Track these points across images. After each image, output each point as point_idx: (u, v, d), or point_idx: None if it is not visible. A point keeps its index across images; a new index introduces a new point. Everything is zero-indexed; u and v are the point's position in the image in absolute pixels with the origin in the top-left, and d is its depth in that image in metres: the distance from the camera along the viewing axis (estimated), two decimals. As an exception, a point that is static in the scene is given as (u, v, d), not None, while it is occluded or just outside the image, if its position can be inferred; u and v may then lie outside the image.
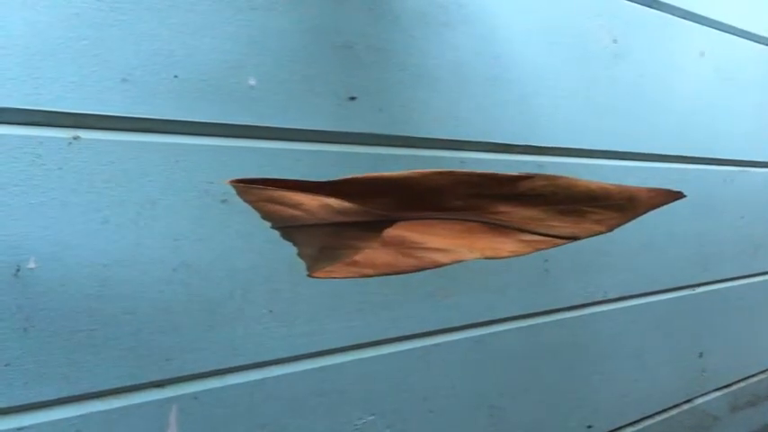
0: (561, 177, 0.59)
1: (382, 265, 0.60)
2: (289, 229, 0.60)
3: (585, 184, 0.61)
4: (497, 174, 0.59)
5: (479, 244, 0.60)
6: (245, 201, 0.59)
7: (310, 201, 0.59)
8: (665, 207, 1.35)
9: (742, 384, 1.72)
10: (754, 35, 1.58)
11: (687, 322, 1.52)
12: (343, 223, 0.59)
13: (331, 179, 0.57)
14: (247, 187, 0.59)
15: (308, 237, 0.60)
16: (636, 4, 1.31)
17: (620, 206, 0.61)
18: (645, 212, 0.62)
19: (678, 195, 0.61)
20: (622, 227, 0.63)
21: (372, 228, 0.60)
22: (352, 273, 0.60)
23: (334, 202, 0.59)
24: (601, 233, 0.61)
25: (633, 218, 0.61)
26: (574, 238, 0.61)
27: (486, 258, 0.60)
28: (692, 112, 1.45)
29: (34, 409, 0.71)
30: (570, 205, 0.61)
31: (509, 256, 0.60)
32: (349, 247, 0.60)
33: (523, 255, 0.60)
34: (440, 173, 0.59)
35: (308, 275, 0.61)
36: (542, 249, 0.61)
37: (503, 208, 0.60)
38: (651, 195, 0.62)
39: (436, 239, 0.60)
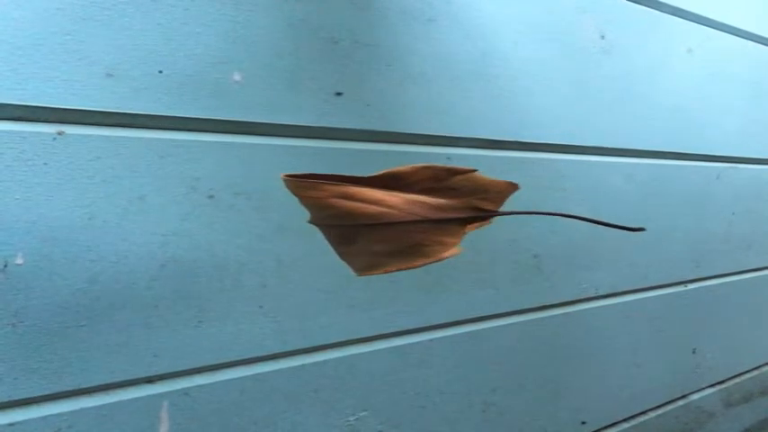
0: (474, 173, 0.61)
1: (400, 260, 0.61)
2: (358, 227, 0.60)
3: (482, 179, 0.62)
4: (451, 167, 0.60)
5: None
6: (308, 196, 0.59)
7: (390, 198, 0.59)
8: (656, 204, 1.37)
9: (736, 380, 1.73)
10: (742, 31, 1.59)
11: (680, 318, 1.52)
12: (440, 219, 0.60)
13: (373, 174, 0.58)
14: (316, 183, 0.58)
15: (386, 234, 0.60)
16: (624, 0, 1.31)
17: (494, 198, 0.63)
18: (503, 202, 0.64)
19: (515, 187, 0.63)
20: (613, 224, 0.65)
21: (463, 223, 0.61)
22: (375, 268, 0.61)
23: (425, 198, 0.60)
24: (484, 221, 0.63)
25: (498, 207, 0.63)
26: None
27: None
28: (680, 109, 1.45)
29: (24, 404, 0.72)
30: (466, 198, 0.62)
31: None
32: (438, 243, 0.60)
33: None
34: (425, 167, 0.60)
35: (359, 275, 0.62)
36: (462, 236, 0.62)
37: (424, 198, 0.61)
38: (505, 187, 0.63)
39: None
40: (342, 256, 0.62)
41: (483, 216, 0.61)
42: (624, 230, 0.65)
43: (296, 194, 0.59)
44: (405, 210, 0.58)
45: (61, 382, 0.73)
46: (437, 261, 0.60)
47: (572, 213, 0.65)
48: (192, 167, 0.80)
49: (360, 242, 0.60)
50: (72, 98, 0.72)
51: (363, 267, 0.61)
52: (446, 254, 0.59)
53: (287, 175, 0.58)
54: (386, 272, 0.61)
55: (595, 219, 0.65)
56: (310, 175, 0.58)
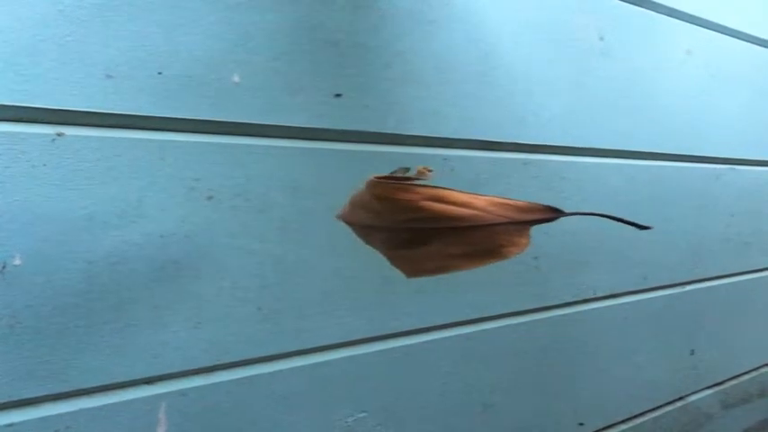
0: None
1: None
2: (436, 229, 0.60)
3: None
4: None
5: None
6: (401, 198, 0.59)
7: (475, 200, 0.60)
8: (655, 205, 1.37)
9: (734, 382, 1.72)
10: (741, 33, 1.59)
11: (678, 320, 1.52)
12: (524, 221, 0.61)
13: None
14: (410, 185, 0.59)
15: (471, 236, 0.60)
16: (623, 2, 1.32)
17: None
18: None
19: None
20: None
21: (533, 223, 0.62)
22: (443, 270, 0.62)
23: (508, 200, 0.60)
24: None
25: None
26: None
27: None
28: (679, 110, 1.45)
29: (23, 405, 0.72)
30: None
31: None
32: (513, 243, 0.60)
33: None
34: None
35: (410, 277, 0.63)
36: None
37: None
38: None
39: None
40: (395, 260, 0.63)
41: (553, 217, 0.62)
42: (634, 227, 0.66)
43: (385, 197, 0.59)
44: (492, 212, 0.59)
45: (60, 382, 0.73)
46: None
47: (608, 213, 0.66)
48: (192, 168, 0.80)
49: (435, 244, 0.60)
50: (71, 99, 0.72)
51: (428, 270, 0.62)
52: (517, 252, 0.60)
53: (379, 178, 0.58)
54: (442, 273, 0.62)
55: (622, 218, 0.66)
56: (387, 177, 0.59)
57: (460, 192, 0.59)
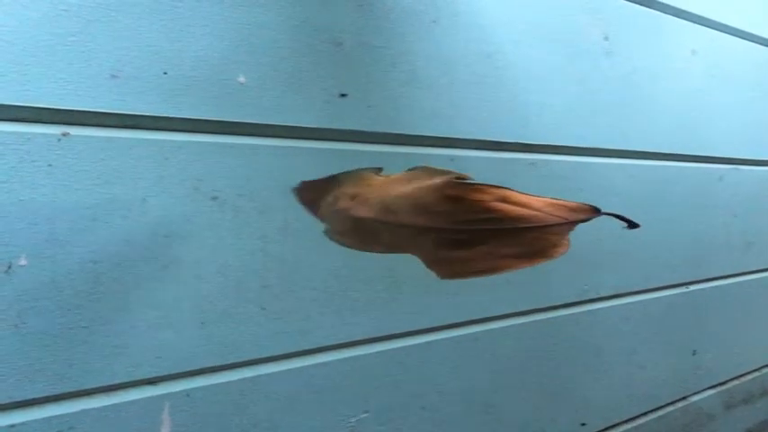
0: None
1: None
2: (492, 230, 0.61)
3: None
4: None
5: None
6: (473, 199, 0.60)
7: (534, 201, 0.61)
8: (658, 205, 1.37)
9: (736, 382, 1.72)
10: (746, 33, 1.59)
11: (680, 320, 1.52)
12: (573, 221, 0.61)
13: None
14: (482, 186, 0.60)
15: (527, 237, 0.61)
16: (628, 2, 1.31)
17: None
18: None
19: None
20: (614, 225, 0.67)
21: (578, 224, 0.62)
22: (492, 271, 0.63)
23: (561, 201, 0.61)
24: None
25: None
26: None
27: None
28: (683, 110, 1.45)
29: (26, 406, 0.71)
30: None
31: None
32: (561, 243, 0.61)
33: None
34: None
35: (446, 278, 0.64)
36: None
37: None
38: None
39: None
40: (438, 261, 0.63)
41: (593, 217, 0.63)
42: (624, 222, 0.67)
43: (460, 197, 0.60)
44: (548, 212, 0.60)
45: (63, 383, 0.73)
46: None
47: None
48: (196, 169, 0.80)
49: (489, 245, 0.61)
50: (77, 99, 0.71)
51: (476, 270, 0.63)
52: (562, 253, 0.61)
53: (458, 180, 0.59)
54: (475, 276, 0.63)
55: (623, 215, 0.67)
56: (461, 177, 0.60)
57: (520, 192, 0.60)
